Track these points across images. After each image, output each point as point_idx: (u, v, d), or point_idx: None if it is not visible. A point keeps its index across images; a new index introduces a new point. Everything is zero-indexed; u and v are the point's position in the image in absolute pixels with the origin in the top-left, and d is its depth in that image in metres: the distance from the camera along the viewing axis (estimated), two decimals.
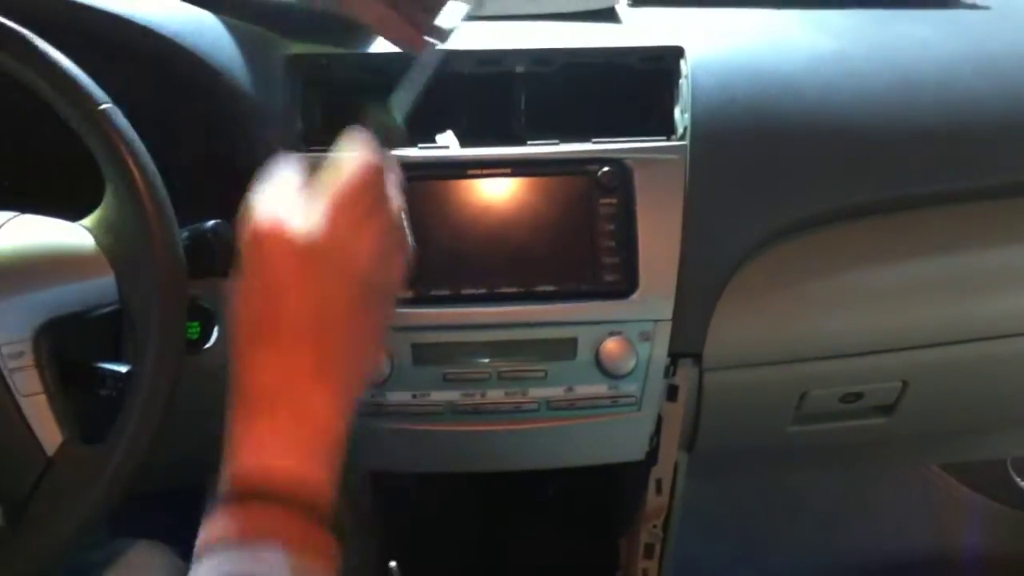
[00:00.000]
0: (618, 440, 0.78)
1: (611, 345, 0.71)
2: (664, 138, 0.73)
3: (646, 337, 0.72)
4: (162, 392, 0.56)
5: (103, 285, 0.58)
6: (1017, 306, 0.79)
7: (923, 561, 1.36)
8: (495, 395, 0.73)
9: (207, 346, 0.70)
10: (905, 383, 0.80)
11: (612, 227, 0.70)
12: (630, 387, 0.73)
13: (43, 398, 0.56)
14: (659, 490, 0.85)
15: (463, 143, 0.71)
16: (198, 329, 0.70)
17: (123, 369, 0.58)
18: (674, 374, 0.76)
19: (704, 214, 0.71)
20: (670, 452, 0.82)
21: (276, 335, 0.44)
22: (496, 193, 0.71)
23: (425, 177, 0.69)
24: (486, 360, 0.72)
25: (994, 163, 0.78)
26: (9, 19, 0.55)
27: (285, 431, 0.42)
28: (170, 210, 0.57)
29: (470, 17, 0.68)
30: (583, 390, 0.73)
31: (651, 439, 0.79)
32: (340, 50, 0.74)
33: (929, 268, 0.77)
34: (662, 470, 0.84)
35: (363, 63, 0.74)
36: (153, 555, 0.68)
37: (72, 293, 0.57)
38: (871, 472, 1.42)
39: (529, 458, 0.80)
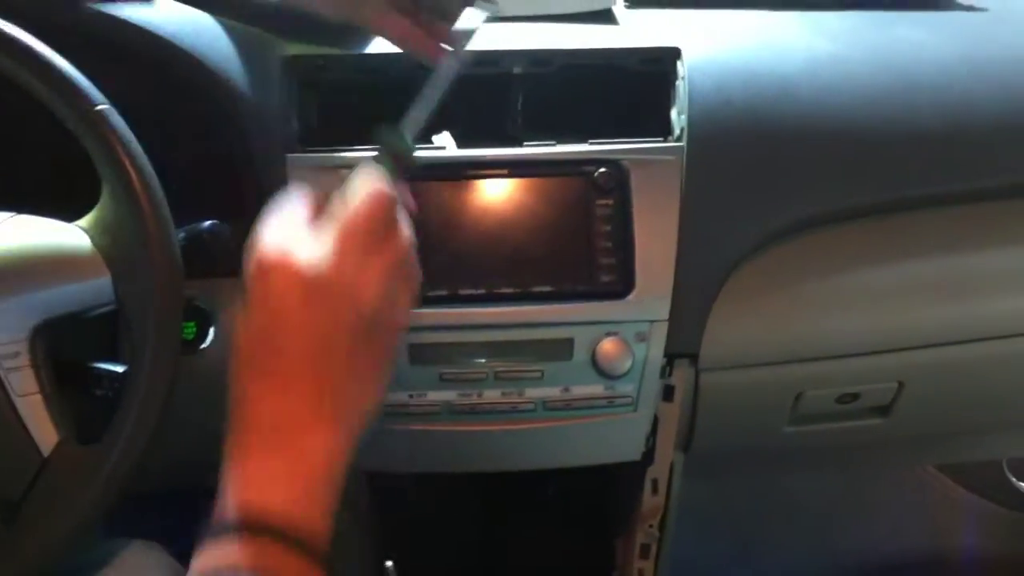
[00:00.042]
0: (614, 440, 0.78)
1: (607, 345, 0.71)
2: (661, 139, 0.73)
3: (642, 338, 0.72)
4: (158, 392, 0.56)
5: (99, 285, 0.58)
6: (1013, 307, 0.79)
7: (919, 562, 1.36)
8: (492, 395, 0.73)
9: (203, 346, 0.70)
10: (901, 384, 0.80)
11: (608, 228, 0.70)
12: (626, 387, 0.74)
13: (39, 398, 0.56)
14: (655, 490, 0.85)
15: (460, 144, 0.72)
16: (194, 329, 0.70)
17: (119, 369, 0.58)
18: (670, 375, 0.76)
19: (700, 215, 0.71)
20: (666, 452, 0.82)
21: (277, 368, 0.43)
22: (493, 194, 0.71)
23: (422, 178, 0.69)
24: (483, 360, 0.72)
25: (991, 165, 0.78)
26: (7, 20, 0.55)
27: (282, 467, 0.41)
28: (166, 210, 0.57)
29: (489, 20, 0.67)
30: (579, 390, 0.73)
31: (647, 439, 0.80)
32: (336, 51, 0.74)
33: (925, 269, 0.78)
34: (658, 470, 0.84)
35: (359, 64, 0.74)
36: (149, 555, 0.68)
37: (68, 293, 0.57)
38: (867, 473, 1.42)
39: (525, 458, 0.80)
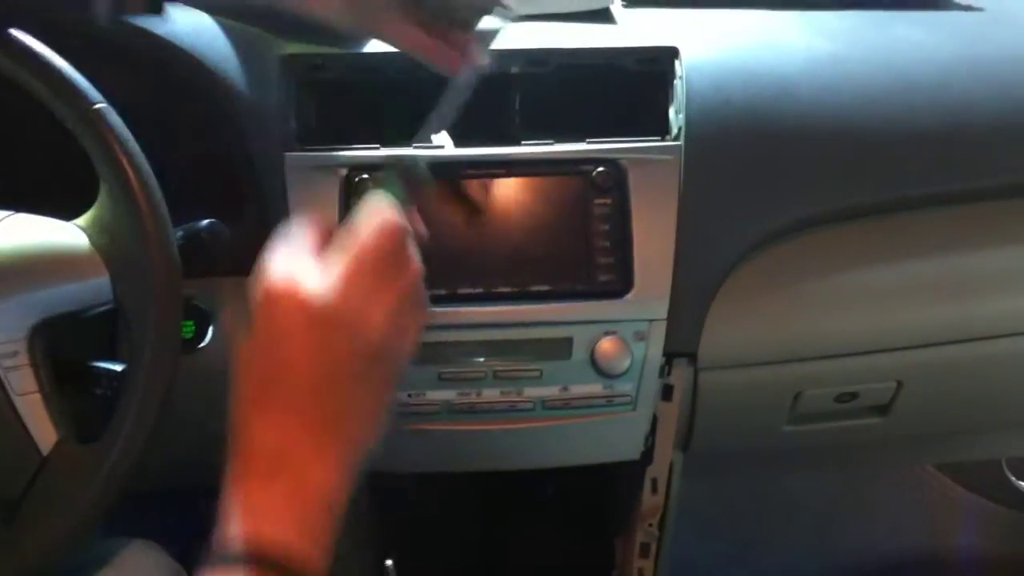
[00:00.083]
0: (613, 440, 0.78)
1: (606, 345, 0.71)
2: (659, 138, 0.73)
3: (641, 337, 0.72)
4: (157, 391, 0.56)
5: (98, 284, 0.58)
6: (1012, 307, 0.79)
7: (918, 561, 1.36)
8: (490, 394, 0.73)
9: (202, 345, 0.70)
10: (900, 383, 0.80)
11: (607, 227, 0.70)
12: (625, 387, 0.74)
13: (38, 397, 0.56)
14: (655, 490, 0.85)
15: (458, 143, 0.71)
16: (192, 328, 0.70)
17: (118, 368, 0.58)
18: (669, 374, 0.76)
19: (699, 214, 0.71)
20: (665, 452, 0.82)
21: (279, 398, 0.42)
22: (491, 193, 0.71)
23: None
24: (481, 359, 0.72)
25: (989, 165, 0.78)
26: (7, 20, 0.55)
27: (281, 498, 0.41)
28: (164, 209, 0.57)
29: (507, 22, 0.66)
30: (578, 390, 0.73)
31: (646, 439, 0.80)
32: (334, 50, 0.74)
33: (924, 269, 0.78)
34: (657, 470, 0.84)
35: (357, 63, 0.74)
36: (148, 555, 0.68)
37: (67, 292, 0.57)
38: (866, 472, 1.42)
39: (525, 458, 0.80)
